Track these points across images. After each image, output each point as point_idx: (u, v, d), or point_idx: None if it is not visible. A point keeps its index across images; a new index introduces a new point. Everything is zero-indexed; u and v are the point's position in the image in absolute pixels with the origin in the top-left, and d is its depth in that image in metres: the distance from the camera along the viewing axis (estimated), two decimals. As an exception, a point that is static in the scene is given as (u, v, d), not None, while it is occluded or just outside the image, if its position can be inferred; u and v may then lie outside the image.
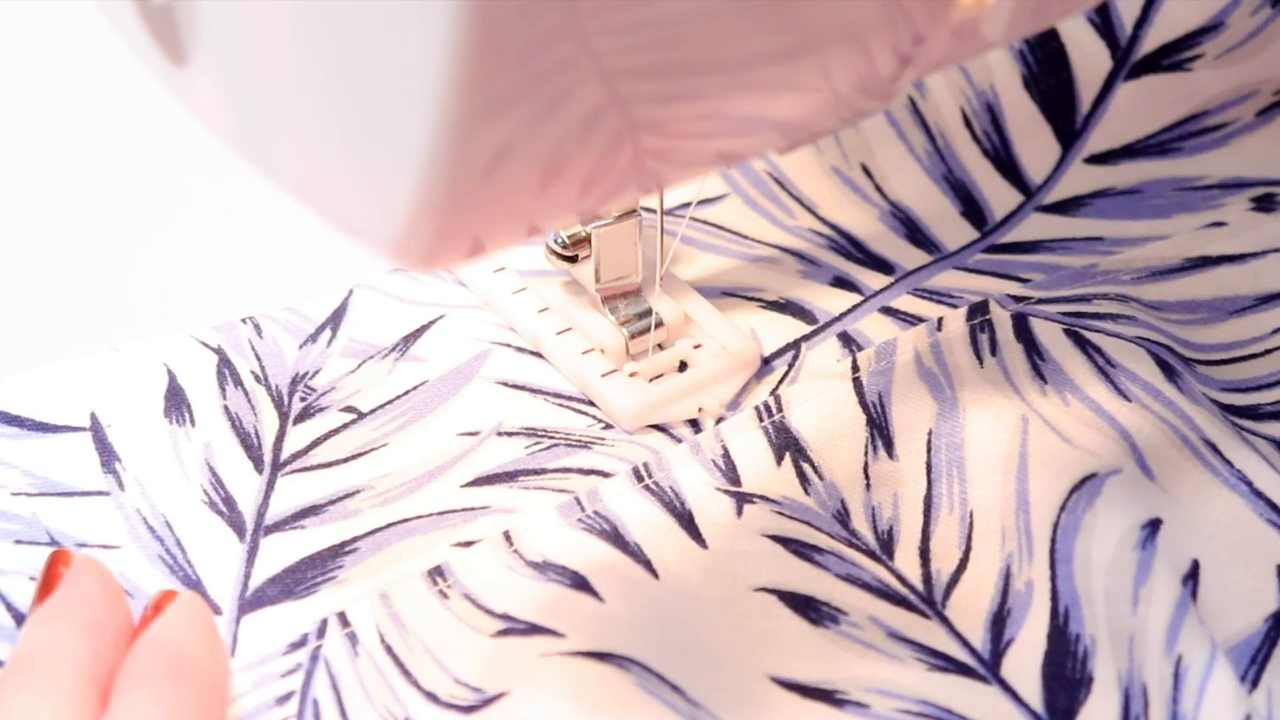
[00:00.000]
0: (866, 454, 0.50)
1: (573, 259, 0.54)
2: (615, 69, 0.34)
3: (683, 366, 0.53)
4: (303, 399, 0.52)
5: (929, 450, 0.50)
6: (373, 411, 0.51)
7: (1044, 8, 0.41)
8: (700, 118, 0.36)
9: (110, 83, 0.60)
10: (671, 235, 0.55)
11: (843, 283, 0.55)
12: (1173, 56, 0.58)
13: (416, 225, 0.35)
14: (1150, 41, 0.58)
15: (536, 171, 0.35)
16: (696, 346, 0.53)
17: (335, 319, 0.54)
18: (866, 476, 0.50)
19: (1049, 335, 0.51)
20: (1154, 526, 0.46)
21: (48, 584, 0.45)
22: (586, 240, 0.53)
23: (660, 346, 0.53)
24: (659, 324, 0.53)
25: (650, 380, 0.52)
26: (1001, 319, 0.52)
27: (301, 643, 0.46)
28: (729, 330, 0.53)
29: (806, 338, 0.54)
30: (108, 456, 0.50)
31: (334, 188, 0.37)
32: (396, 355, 0.53)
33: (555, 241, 0.54)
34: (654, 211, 0.53)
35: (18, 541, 0.48)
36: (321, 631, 0.46)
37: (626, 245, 0.52)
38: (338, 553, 0.48)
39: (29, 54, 0.63)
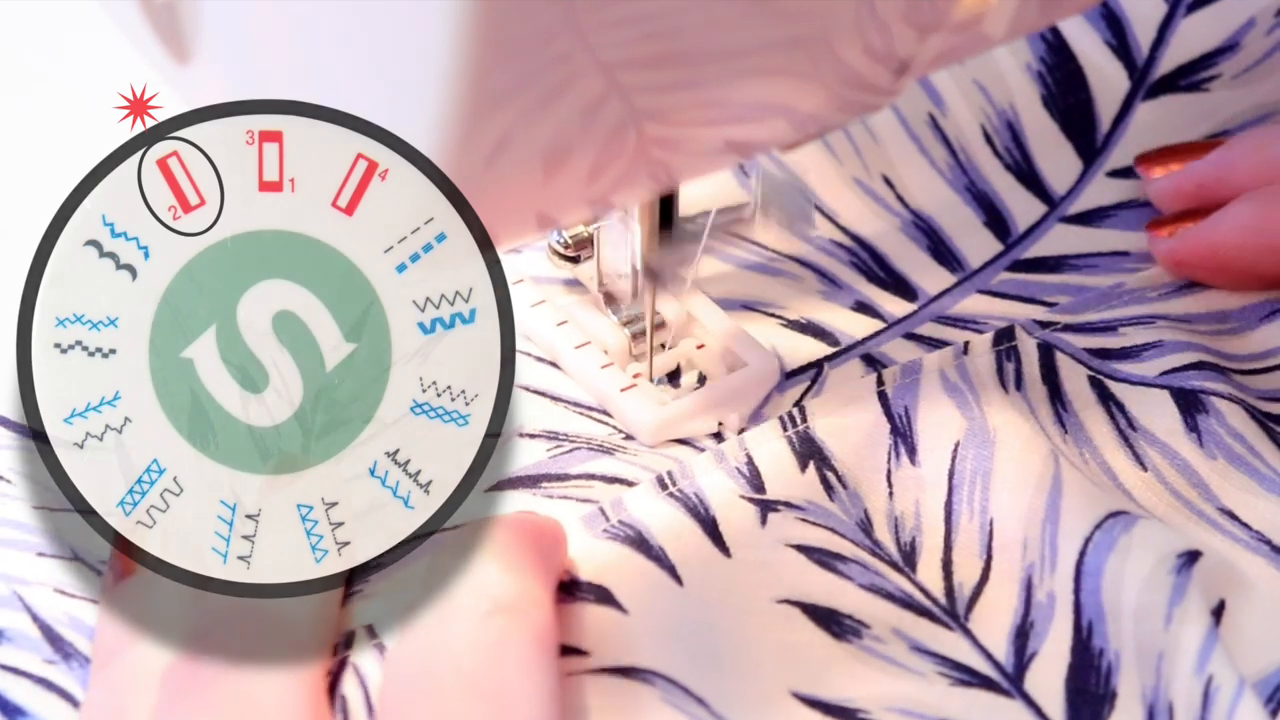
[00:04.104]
0: (889, 461, 0.48)
1: (575, 259, 0.51)
2: (614, 61, 0.33)
3: (702, 380, 0.51)
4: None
5: (954, 459, 0.48)
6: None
7: (1047, 6, 0.39)
8: (702, 106, 0.35)
9: (114, 82, 0.59)
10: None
11: (865, 308, 0.53)
12: (1190, 77, 0.56)
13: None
14: (1167, 63, 0.56)
15: (539, 159, 0.34)
16: (699, 346, 0.51)
17: None
18: (889, 484, 0.47)
19: (1073, 382, 0.49)
20: (1192, 557, 0.44)
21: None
22: (589, 240, 0.51)
23: (663, 346, 0.51)
24: (661, 324, 0.51)
25: (655, 381, 0.50)
26: (1027, 347, 0.50)
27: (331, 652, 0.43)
28: (749, 344, 0.51)
29: (829, 358, 0.52)
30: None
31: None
32: None
33: (558, 241, 0.51)
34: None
35: (40, 554, 0.46)
36: (349, 642, 0.43)
37: (629, 265, 0.50)
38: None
39: (35, 55, 0.61)
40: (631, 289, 0.50)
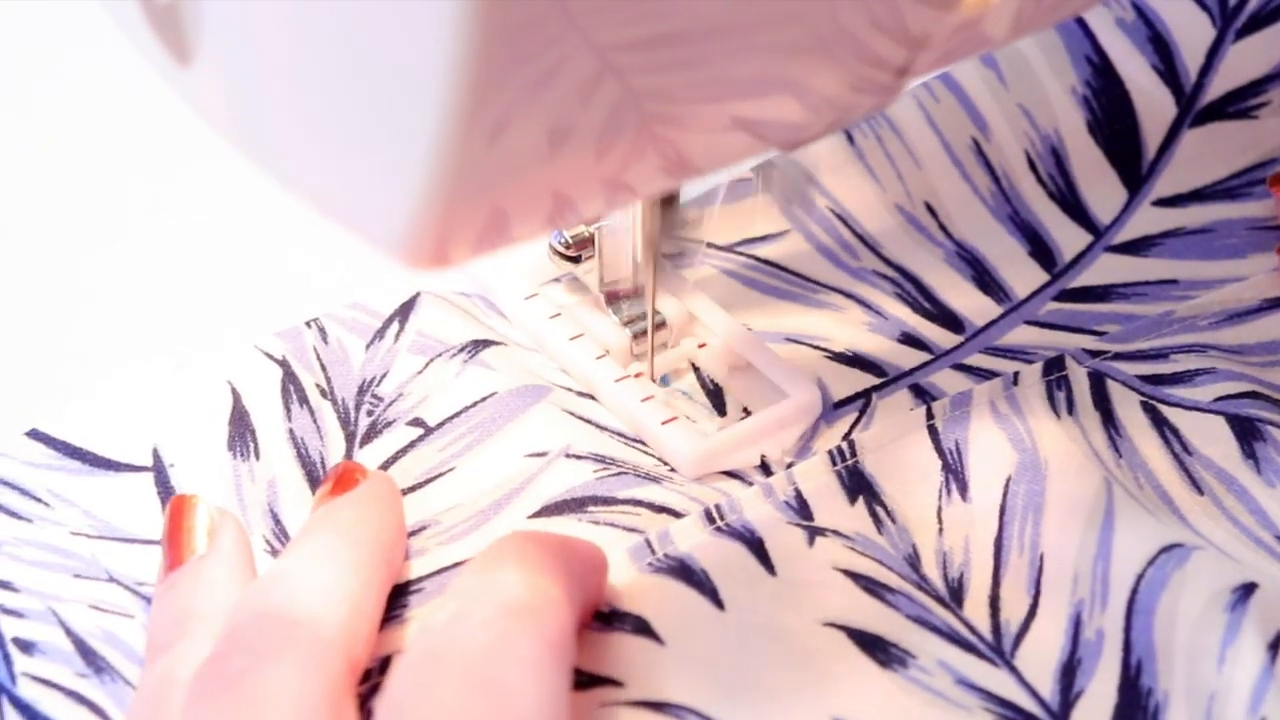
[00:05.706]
0: (940, 498, 0.47)
1: (576, 259, 0.51)
2: (606, 43, 0.33)
3: (746, 413, 0.49)
4: (369, 412, 0.49)
5: (1005, 494, 0.47)
6: (440, 426, 0.48)
7: (1046, 6, 0.39)
8: (702, 84, 0.34)
9: (120, 82, 0.57)
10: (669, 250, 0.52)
11: (911, 339, 0.52)
12: (1238, 104, 0.55)
13: (426, 207, 0.33)
14: (1215, 89, 0.55)
15: (543, 137, 0.33)
16: (701, 345, 0.50)
17: (404, 312, 0.51)
18: (939, 520, 0.46)
19: (1126, 409, 0.48)
20: (1248, 590, 0.43)
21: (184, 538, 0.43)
22: (590, 240, 0.50)
23: (664, 345, 0.50)
24: (662, 324, 0.50)
25: (658, 381, 0.49)
26: (1078, 376, 0.49)
27: (365, 677, 0.42)
28: (790, 375, 0.50)
29: (877, 388, 0.50)
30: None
31: (340, 183, 0.35)
32: (466, 356, 0.50)
33: (559, 241, 0.51)
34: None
35: (76, 575, 0.45)
36: (384, 668, 0.42)
37: (631, 245, 0.49)
38: (403, 592, 0.45)
39: (42, 56, 0.60)
40: (633, 275, 0.49)
